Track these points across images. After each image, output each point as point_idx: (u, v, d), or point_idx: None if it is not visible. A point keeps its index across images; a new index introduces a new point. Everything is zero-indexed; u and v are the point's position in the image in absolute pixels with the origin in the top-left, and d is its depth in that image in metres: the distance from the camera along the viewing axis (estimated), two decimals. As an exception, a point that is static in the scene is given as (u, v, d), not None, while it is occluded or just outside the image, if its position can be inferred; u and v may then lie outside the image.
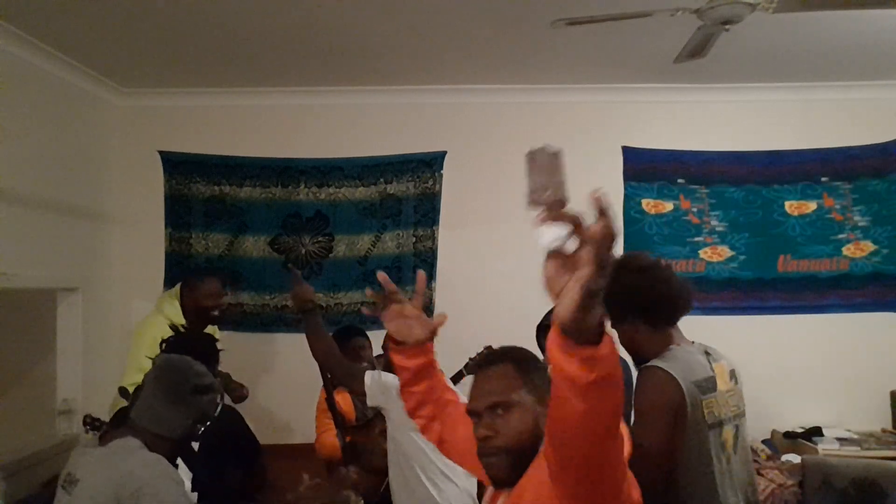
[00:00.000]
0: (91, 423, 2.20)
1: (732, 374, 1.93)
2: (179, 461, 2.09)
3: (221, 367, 3.54)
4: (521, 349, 1.47)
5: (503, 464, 1.31)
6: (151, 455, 1.75)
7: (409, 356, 1.67)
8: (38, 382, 3.75)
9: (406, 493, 2.28)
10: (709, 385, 1.79)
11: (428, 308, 4.25)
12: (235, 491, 2.42)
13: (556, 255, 1.01)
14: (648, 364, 1.81)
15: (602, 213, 0.96)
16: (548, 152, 1.10)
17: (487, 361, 1.44)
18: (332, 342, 2.39)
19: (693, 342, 1.92)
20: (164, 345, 2.39)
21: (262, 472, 2.55)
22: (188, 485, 2.17)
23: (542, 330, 2.94)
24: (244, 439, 2.58)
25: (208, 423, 1.91)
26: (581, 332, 0.96)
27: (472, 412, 1.38)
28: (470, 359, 3.40)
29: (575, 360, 0.97)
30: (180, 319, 3.26)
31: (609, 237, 0.96)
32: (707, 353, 1.89)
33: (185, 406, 1.81)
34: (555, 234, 1.03)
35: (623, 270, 1.83)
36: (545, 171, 1.10)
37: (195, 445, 2.22)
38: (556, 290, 0.99)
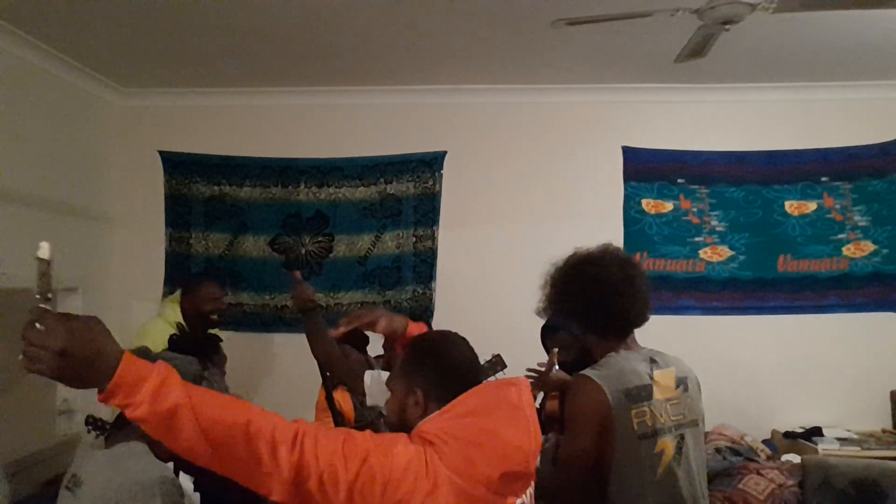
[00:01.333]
0: (93, 423, 2.20)
1: (681, 382, 1.85)
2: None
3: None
4: (429, 339, 1.59)
5: None
6: (153, 460, 1.75)
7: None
8: (38, 382, 3.73)
9: None
10: (641, 394, 1.75)
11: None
12: (236, 492, 2.42)
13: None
14: (580, 373, 1.80)
15: None
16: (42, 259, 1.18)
17: None
18: (333, 342, 2.38)
19: (642, 348, 1.88)
20: (168, 344, 2.39)
21: None
22: (190, 486, 2.17)
23: (547, 330, 2.93)
24: None
25: None
26: None
27: None
28: (486, 362, 3.39)
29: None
30: (179, 321, 3.22)
31: None
32: (652, 360, 1.83)
33: None
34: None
35: (582, 277, 1.83)
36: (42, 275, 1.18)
37: None
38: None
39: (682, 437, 1.80)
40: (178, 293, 3.50)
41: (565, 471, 1.75)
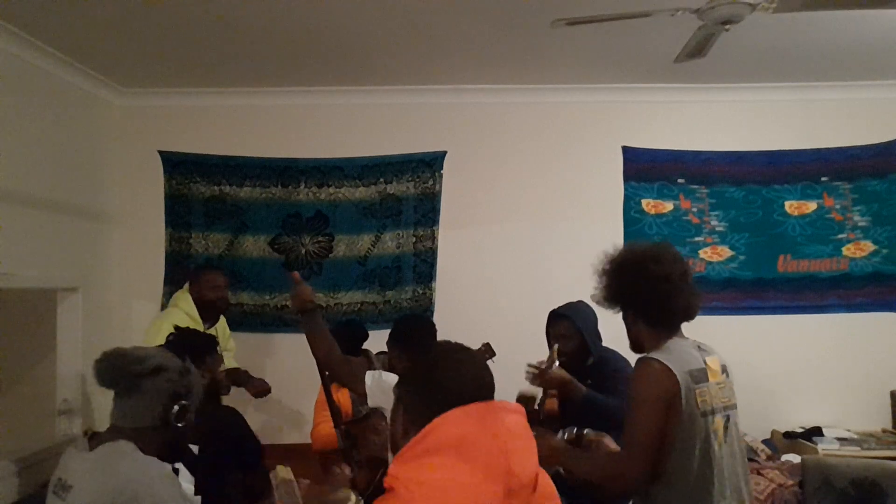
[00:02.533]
0: (91, 436, 2.17)
1: (724, 369, 2.01)
2: (181, 466, 2.08)
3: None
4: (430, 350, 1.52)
5: None
6: (145, 457, 1.73)
7: None
8: (38, 382, 3.75)
9: None
10: (701, 376, 1.88)
11: (428, 308, 4.26)
12: (238, 494, 2.41)
13: None
14: (645, 356, 1.90)
15: None
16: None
17: None
18: (333, 342, 2.38)
19: (687, 338, 2.01)
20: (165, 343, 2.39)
21: (264, 474, 2.54)
22: (191, 489, 2.16)
23: (552, 318, 2.90)
24: (245, 441, 2.58)
25: (186, 400, 1.84)
26: None
27: None
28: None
29: None
30: (195, 312, 3.46)
31: None
32: (700, 348, 1.98)
33: (139, 394, 1.77)
34: None
35: (644, 271, 1.94)
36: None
37: (195, 448, 2.20)
38: None
39: (728, 417, 1.93)
40: (186, 285, 3.61)
41: (637, 450, 1.81)
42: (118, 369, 1.79)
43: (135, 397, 1.78)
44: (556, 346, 2.73)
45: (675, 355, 1.87)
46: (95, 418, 3.76)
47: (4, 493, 3.09)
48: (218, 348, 2.65)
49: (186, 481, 2.13)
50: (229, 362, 3.67)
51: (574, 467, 1.99)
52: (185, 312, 3.45)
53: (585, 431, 2.18)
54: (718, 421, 1.89)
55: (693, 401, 1.82)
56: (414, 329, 2.66)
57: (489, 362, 2.94)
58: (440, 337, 2.64)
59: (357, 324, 3.56)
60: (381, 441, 2.46)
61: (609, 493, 2.04)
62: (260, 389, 3.52)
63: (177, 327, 2.65)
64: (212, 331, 3.54)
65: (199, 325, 3.46)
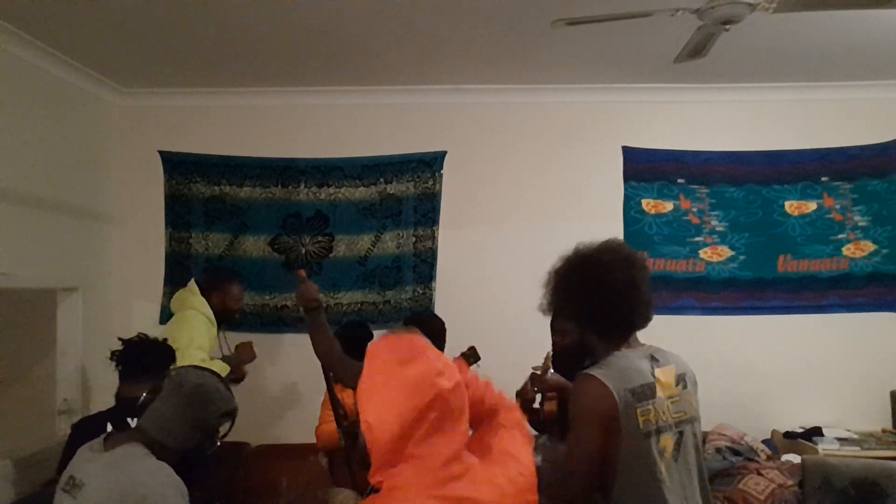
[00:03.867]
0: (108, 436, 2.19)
1: (680, 379, 1.87)
2: None
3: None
4: None
5: None
6: (157, 463, 1.74)
7: None
8: (38, 382, 3.75)
9: None
10: (646, 392, 1.76)
11: (428, 308, 4.25)
12: (218, 490, 2.43)
13: None
14: (584, 372, 1.79)
15: None
16: None
17: None
18: (336, 341, 2.39)
19: (642, 345, 1.89)
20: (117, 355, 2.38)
21: (245, 471, 2.54)
22: None
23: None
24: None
25: (219, 442, 1.92)
26: None
27: None
28: (455, 359, 3.37)
29: None
30: (213, 317, 3.44)
31: None
32: (653, 358, 1.84)
33: (206, 429, 1.83)
34: None
35: (586, 279, 1.83)
36: None
37: None
38: None
39: (680, 433, 1.82)
40: (192, 285, 3.54)
41: (574, 470, 1.74)
42: (206, 403, 1.83)
43: (198, 429, 1.81)
44: (548, 353, 2.73)
45: (615, 371, 1.76)
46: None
47: (4, 493, 3.09)
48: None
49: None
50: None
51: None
52: (205, 316, 3.43)
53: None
54: (667, 439, 1.78)
55: (634, 420, 1.71)
56: (422, 325, 2.66)
57: (473, 367, 2.95)
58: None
59: (361, 324, 3.57)
60: None
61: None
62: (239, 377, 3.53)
63: (134, 340, 2.53)
64: (221, 337, 3.58)
65: (214, 330, 3.48)
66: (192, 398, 1.82)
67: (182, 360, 3.00)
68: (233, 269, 4.15)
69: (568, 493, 1.74)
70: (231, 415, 1.89)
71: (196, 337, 3.25)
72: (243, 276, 4.22)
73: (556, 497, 1.75)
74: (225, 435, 1.93)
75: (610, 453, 1.72)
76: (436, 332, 3.23)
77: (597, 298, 1.81)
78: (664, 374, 1.82)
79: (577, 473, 1.73)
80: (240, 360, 3.58)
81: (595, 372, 1.76)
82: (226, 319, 3.56)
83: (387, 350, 1.33)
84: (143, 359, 2.37)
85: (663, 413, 1.77)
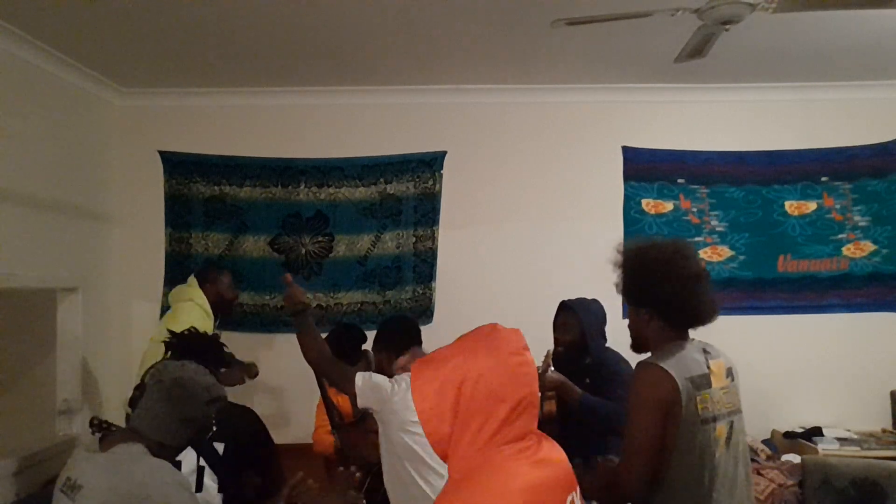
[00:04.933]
0: (98, 425, 2.19)
1: (729, 372, 1.95)
2: (206, 465, 2.13)
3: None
4: None
5: None
6: (157, 461, 1.73)
7: None
8: (38, 382, 3.74)
9: (400, 489, 2.29)
10: (703, 381, 1.83)
11: (428, 308, 4.25)
12: (256, 493, 2.42)
13: None
14: (645, 360, 1.85)
15: None
16: None
17: None
18: (324, 343, 2.40)
19: (693, 339, 1.96)
20: (168, 351, 2.34)
21: (279, 473, 2.54)
22: (215, 486, 2.17)
23: (560, 308, 2.92)
24: (259, 438, 2.57)
25: (211, 432, 1.91)
26: None
27: None
28: None
29: None
30: (209, 309, 3.46)
31: None
32: (705, 351, 1.92)
33: (194, 421, 1.81)
34: None
35: (668, 269, 1.87)
36: None
37: (219, 447, 2.22)
38: None
39: (731, 423, 1.89)
40: (192, 280, 3.55)
41: (633, 459, 1.78)
42: (189, 394, 1.81)
43: (187, 420, 1.80)
44: (548, 351, 2.73)
45: (676, 360, 1.82)
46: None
47: (4, 493, 3.09)
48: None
49: (211, 479, 2.16)
50: None
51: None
52: (202, 308, 3.46)
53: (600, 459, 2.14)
54: (721, 428, 1.85)
55: (694, 408, 1.78)
56: (397, 330, 2.67)
57: None
58: (440, 336, 2.64)
59: (354, 327, 3.57)
60: (375, 442, 2.46)
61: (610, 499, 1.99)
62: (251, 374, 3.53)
63: (172, 333, 2.54)
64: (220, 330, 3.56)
65: (211, 322, 3.48)
66: (172, 392, 1.80)
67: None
68: (211, 261, 4.14)
69: (627, 483, 1.78)
70: (215, 402, 1.85)
71: (191, 325, 3.26)
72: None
73: (614, 486, 1.81)
74: (213, 424, 1.90)
75: (669, 440, 1.77)
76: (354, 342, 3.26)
77: (675, 285, 1.86)
78: (717, 366, 1.89)
79: (637, 462, 1.76)
80: (239, 376, 3.55)
81: (657, 360, 1.82)
82: (222, 310, 3.56)
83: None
84: (199, 352, 2.30)
85: (718, 403, 1.84)
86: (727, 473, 1.84)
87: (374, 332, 3.54)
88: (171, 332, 2.42)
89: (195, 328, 2.46)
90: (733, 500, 1.83)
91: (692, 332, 1.96)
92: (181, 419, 1.79)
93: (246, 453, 2.35)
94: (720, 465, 1.81)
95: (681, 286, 1.85)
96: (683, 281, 1.86)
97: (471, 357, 1.26)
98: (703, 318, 1.90)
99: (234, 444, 2.27)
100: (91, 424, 2.20)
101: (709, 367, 1.87)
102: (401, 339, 2.59)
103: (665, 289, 1.86)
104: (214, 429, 1.93)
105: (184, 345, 2.33)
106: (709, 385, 1.83)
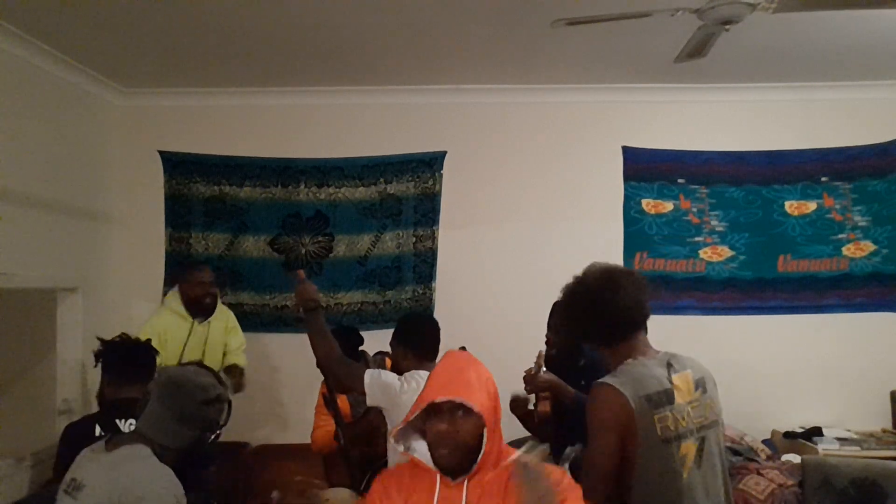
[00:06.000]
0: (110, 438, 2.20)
1: (699, 384, 1.86)
2: None
3: None
4: None
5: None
6: (159, 466, 1.74)
7: None
8: (38, 382, 3.75)
9: None
10: (663, 398, 1.76)
11: (428, 308, 4.26)
12: (214, 489, 2.42)
13: None
14: (599, 381, 1.80)
15: None
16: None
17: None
18: (334, 342, 2.39)
19: (658, 352, 1.89)
20: (97, 360, 2.39)
21: (246, 469, 2.53)
22: None
23: (554, 307, 2.91)
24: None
25: (218, 431, 1.91)
26: None
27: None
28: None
29: None
30: (182, 310, 3.53)
31: None
32: (669, 364, 1.85)
33: (192, 421, 1.81)
34: None
35: (572, 297, 1.94)
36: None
37: None
38: None
39: (703, 438, 1.81)
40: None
41: (592, 478, 1.73)
42: (184, 393, 1.82)
43: (186, 422, 1.80)
44: (540, 352, 2.73)
45: (629, 378, 1.77)
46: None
47: (5, 493, 3.09)
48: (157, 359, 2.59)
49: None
50: (238, 358, 3.69)
51: None
52: (172, 311, 3.52)
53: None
54: (688, 446, 1.77)
55: (651, 427, 1.72)
56: (418, 327, 2.66)
57: None
58: (440, 336, 2.65)
59: (352, 328, 3.57)
60: (381, 440, 2.47)
61: None
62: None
63: (113, 341, 2.48)
64: (205, 325, 3.58)
65: (188, 322, 3.52)
66: (167, 391, 1.81)
67: None
68: (201, 260, 4.15)
69: (590, 500, 1.72)
70: (214, 402, 1.85)
71: (146, 328, 3.35)
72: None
73: None
74: (223, 424, 1.91)
75: (627, 460, 1.72)
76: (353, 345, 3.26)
77: (581, 308, 1.91)
78: (681, 380, 1.82)
79: (595, 483, 1.72)
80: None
81: (610, 380, 1.77)
82: (195, 308, 3.55)
83: None
84: (125, 360, 2.36)
85: (683, 419, 1.77)
86: (698, 490, 1.77)
87: (374, 332, 3.57)
88: (100, 339, 2.44)
89: (126, 335, 2.46)
90: None
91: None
92: (177, 419, 1.79)
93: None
94: (689, 487, 1.75)
95: (580, 311, 1.90)
96: (578, 306, 1.91)
97: None
98: (623, 327, 1.87)
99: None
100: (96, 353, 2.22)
101: (671, 382, 1.79)
102: (420, 343, 2.58)
103: (572, 322, 1.93)
104: (219, 432, 1.93)
105: (107, 353, 2.36)
106: (670, 402, 1.76)
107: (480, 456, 1.55)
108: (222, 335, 3.71)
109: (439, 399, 1.54)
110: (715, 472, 1.83)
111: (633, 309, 1.87)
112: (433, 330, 2.67)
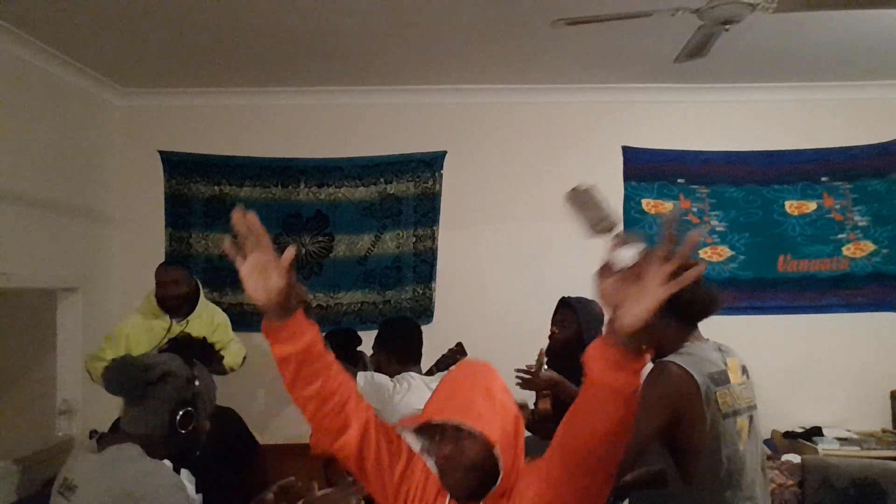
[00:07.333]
0: (101, 438, 2.18)
1: (744, 370, 2.02)
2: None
3: None
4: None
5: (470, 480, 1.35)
6: (152, 462, 1.72)
7: (284, 337, 1.46)
8: (38, 382, 3.75)
9: None
10: (722, 378, 1.88)
11: (428, 308, 4.25)
12: (236, 491, 2.41)
13: (610, 270, 1.11)
14: (664, 360, 1.87)
15: (669, 238, 1.09)
16: (586, 189, 1.37)
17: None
18: (324, 344, 2.39)
19: (707, 339, 2.00)
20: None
21: (262, 471, 2.53)
22: (192, 488, 2.15)
23: (559, 304, 2.92)
24: (242, 438, 2.57)
25: (193, 408, 1.83)
26: (639, 343, 1.06)
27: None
28: (443, 355, 3.35)
29: (627, 371, 1.07)
30: (157, 311, 3.44)
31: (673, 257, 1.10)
32: (720, 349, 1.98)
33: (148, 401, 1.77)
34: (631, 255, 1.15)
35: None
36: (590, 205, 1.34)
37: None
38: (616, 302, 1.07)
39: (751, 417, 1.95)
40: None
41: (630, 444, 1.78)
42: (126, 377, 1.79)
43: (142, 405, 1.78)
44: (541, 349, 2.73)
45: (694, 358, 1.86)
46: (95, 418, 3.75)
47: (4, 493, 3.10)
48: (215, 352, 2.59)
49: (188, 480, 2.13)
50: (228, 354, 3.66)
51: None
52: (143, 313, 3.45)
53: None
54: (742, 421, 1.90)
55: (714, 403, 1.82)
56: (399, 332, 2.66)
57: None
58: (441, 336, 2.65)
59: (349, 330, 3.56)
60: None
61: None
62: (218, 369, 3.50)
63: (175, 339, 2.52)
64: (182, 324, 3.46)
65: (165, 322, 3.43)
66: (115, 378, 1.77)
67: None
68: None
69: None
70: (164, 378, 1.77)
71: (112, 333, 3.42)
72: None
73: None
74: (195, 402, 1.81)
75: (693, 436, 1.80)
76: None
77: (692, 292, 1.88)
78: (732, 364, 1.96)
79: (634, 450, 1.76)
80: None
81: (675, 359, 1.85)
82: (165, 307, 3.46)
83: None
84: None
85: (738, 398, 1.91)
86: (749, 465, 1.89)
87: (374, 333, 3.56)
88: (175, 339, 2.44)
89: (186, 333, 2.45)
90: (752, 491, 1.88)
91: (704, 333, 1.99)
92: (134, 405, 1.76)
93: (226, 453, 2.33)
94: (744, 457, 1.87)
95: (704, 295, 1.92)
96: (706, 294, 1.93)
97: None
98: (711, 310, 1.95)
99: (214, 444, 2.26)
100: (91, 437, 2.20)
101: (725, 364, 1.93)
102: (402, 347, 2.57)
103: (694, 296, 1.90)
104: (191, 409, 1.84)
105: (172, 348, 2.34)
106: (727, 381, 1.89)
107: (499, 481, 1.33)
108: (207, 333, 3.66)
109: (436, 420, 1.38)
110: (758, 447, 1.97)
111: (719, 295, 1.97)
112: (415, 333, 2.67)
